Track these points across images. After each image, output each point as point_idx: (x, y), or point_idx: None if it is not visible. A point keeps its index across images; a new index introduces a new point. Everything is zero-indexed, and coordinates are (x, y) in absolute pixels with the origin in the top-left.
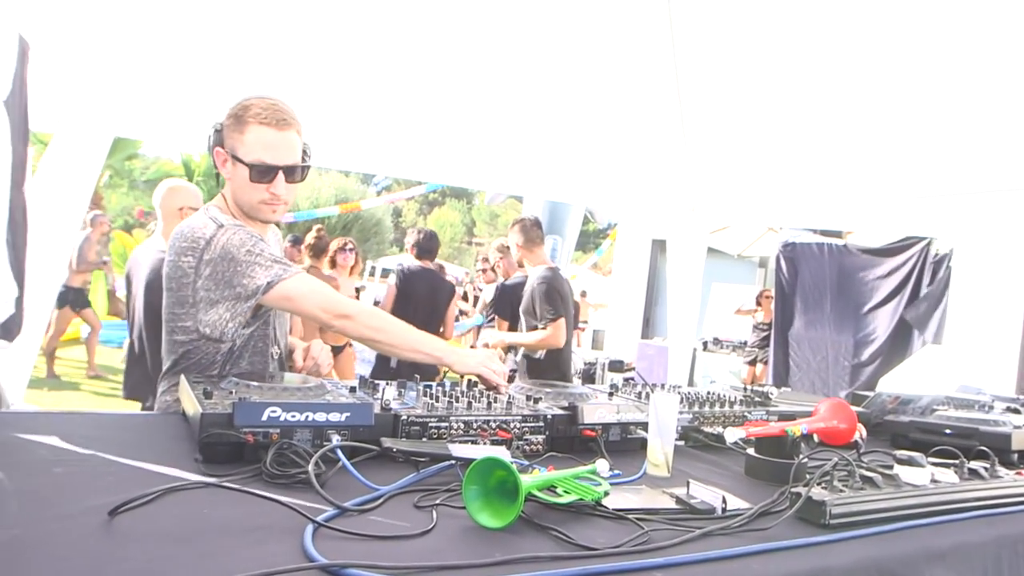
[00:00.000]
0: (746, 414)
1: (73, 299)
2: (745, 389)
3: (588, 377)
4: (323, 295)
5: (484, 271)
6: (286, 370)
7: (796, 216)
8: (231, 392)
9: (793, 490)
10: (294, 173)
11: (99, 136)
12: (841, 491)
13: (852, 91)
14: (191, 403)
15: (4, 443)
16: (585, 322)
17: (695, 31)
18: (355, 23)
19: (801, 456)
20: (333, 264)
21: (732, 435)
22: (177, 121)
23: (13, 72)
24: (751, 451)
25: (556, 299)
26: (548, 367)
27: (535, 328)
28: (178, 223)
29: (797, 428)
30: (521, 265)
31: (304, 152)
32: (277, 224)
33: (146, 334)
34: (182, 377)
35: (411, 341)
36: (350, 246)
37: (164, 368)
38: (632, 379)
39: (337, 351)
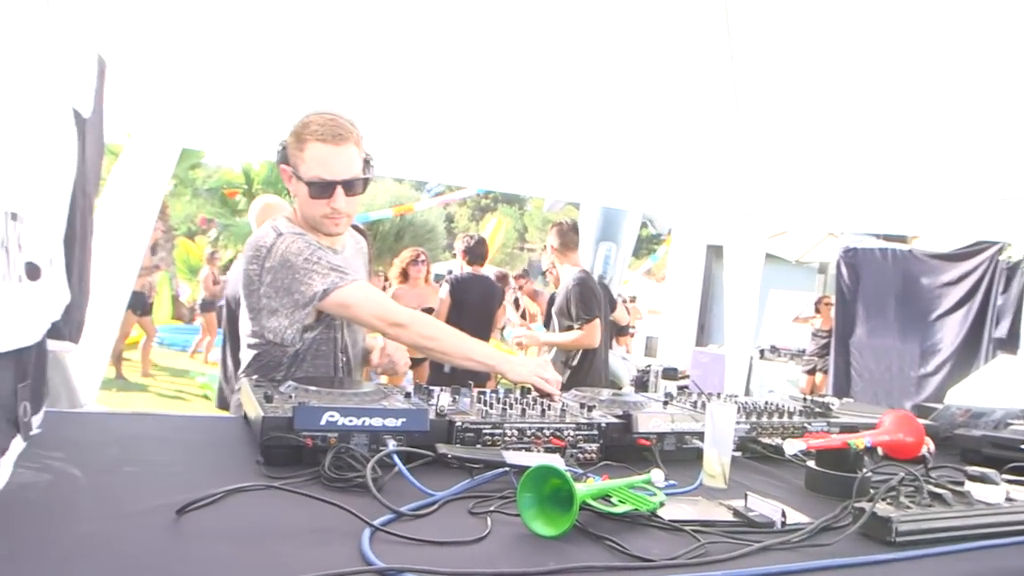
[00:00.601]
0: (806, 425)
1: (133, 303)
2: (804, 399)
3: (641, 384)
4: (378, 303)
5: (520, 277)
6: (353, 375)
7: (858, 220)
8: (291, 396)
9: (856, 505)
10: (354, 186)
11: (168, 147)
12: (908, 508)
13: (918, 90)
14: (252, 407)
15: (78, 442)
16: (633, 327)
17: (753, 31)
18: (408, 33)
19: (864, 470)
20: (405, 277)
21: (792, 447)
22: (238, 131)
23: (94, 91)
24: (811, 464)
25: (591, 300)
26: (583, 369)
27: (569, 328)
28: None
29: (860, 441)
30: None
31: (366, 163)
32: (359, 231)
33: (228, 344)
34: (243, 381)
35: (464, 349)
36: (422, 258)
37: (239, 370)
38: (687, 387)
39: (418, 362)
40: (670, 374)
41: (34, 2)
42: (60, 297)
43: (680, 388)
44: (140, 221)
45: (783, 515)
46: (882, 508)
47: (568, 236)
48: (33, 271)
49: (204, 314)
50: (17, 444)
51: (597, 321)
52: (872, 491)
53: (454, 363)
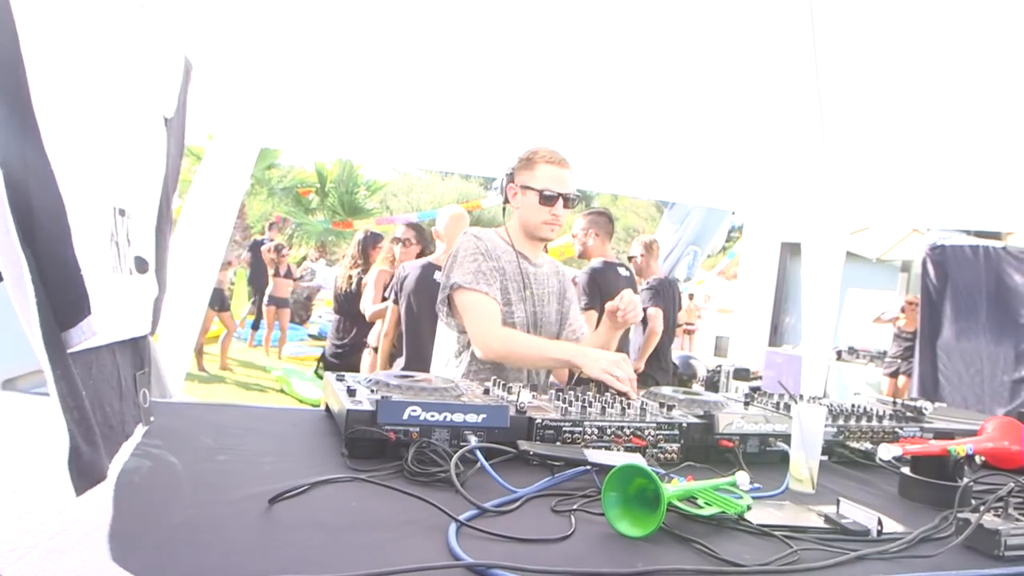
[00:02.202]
0: (897, 430)
1: (213, 299)
2: (895, 403)
3: (711, 384)
4: (477, 317)
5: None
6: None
7: (946, 216)
8: (372, 391)
9: (960, 515)
10: (570, 201)
11: (247, 147)
12: (1018, 520)
13: (1008, 76)
14: (336, 400)
15: (173, 430)
16: (691, 324)
17: (837, 22)
18: (479, 33)
19: (966, 479)
20: None
21: (887, 452)
22: (312, 131)
23: (178, 92)
24: (906, 470)
25: (594, 291)
26: None
27: None
28: None
29: (962, 447)
30: (587, 256)
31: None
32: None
33: (409, 332)
34: (327, 375)
35: (539, 349)
36: None
37: (441, 354)
38: (759, 388)
39: None
40: (742, 374)
41: (130, 7)
42: (152, 290)
43: (753, 389)
44: (221, 220)
45: (879, 523)
46: (989, 520)
47: (609, 226)
48: (142, 264)
49: (268, 308)
50: (139, 430)
51: (592, 313)
52: (975, 501)
53: (535, 365)
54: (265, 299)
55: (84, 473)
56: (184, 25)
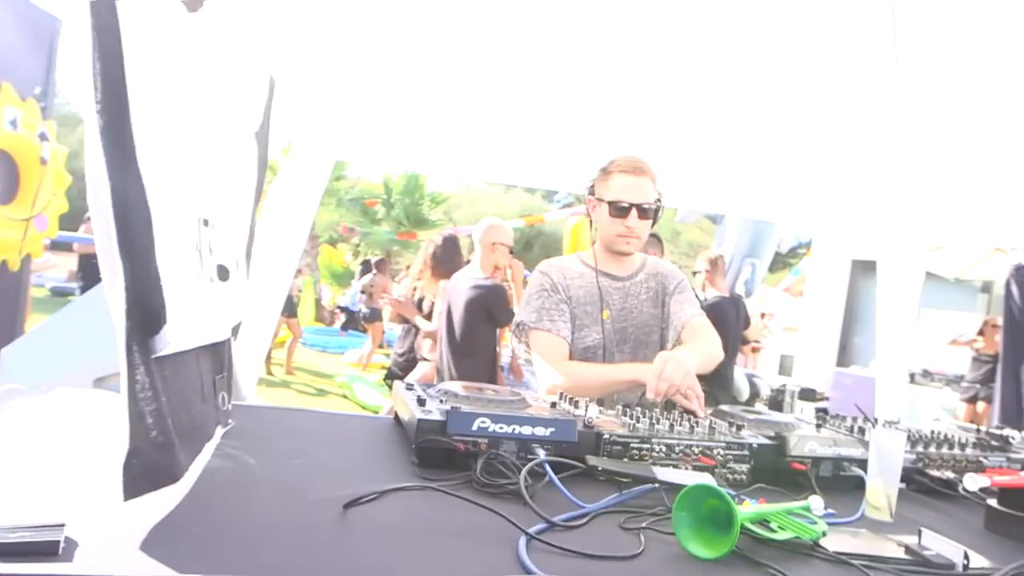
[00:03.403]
0: (981, 459)
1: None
2: (978, 430)
3: (775, 404)
4: (542, 356)
5: None
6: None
7: None
8: (441, 401)
9: None
10: (647, 212)
11: (322, 159)
12: None
13: None
14: (406, 409)
15: (250, 432)
16: (757, 342)
17: (920, 29)
18: (540, 50)
19: None
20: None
21: (973, 482)
22: (379, 144)
23: (264, 107)
24: (992, 502)
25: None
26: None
27: None
28: (489, 256)
29: None
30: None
31: (657, 198)
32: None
33: (461, 344)
34: (395, 384)
35: (604, 377)
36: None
37: None
38: (826, 410)
39: None
40: (807, 395)
41: (222, 28)
42: (245, 299)
43: (820, 410)
44: (297, 229)
45: (966, 557)
46: None
47: (660, 246)
48: (223, 272)
49: (371, 324)
50: (219, 431)
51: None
52: None
53: (603, 393)
54: (362, 315)
55: (143, 475)
56: (266, 42)
